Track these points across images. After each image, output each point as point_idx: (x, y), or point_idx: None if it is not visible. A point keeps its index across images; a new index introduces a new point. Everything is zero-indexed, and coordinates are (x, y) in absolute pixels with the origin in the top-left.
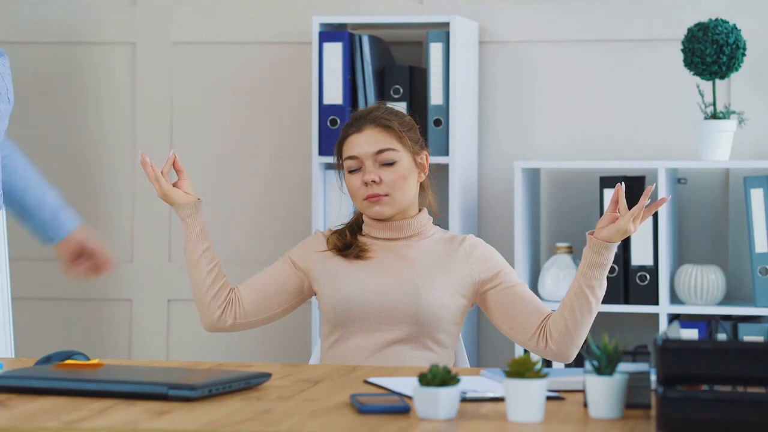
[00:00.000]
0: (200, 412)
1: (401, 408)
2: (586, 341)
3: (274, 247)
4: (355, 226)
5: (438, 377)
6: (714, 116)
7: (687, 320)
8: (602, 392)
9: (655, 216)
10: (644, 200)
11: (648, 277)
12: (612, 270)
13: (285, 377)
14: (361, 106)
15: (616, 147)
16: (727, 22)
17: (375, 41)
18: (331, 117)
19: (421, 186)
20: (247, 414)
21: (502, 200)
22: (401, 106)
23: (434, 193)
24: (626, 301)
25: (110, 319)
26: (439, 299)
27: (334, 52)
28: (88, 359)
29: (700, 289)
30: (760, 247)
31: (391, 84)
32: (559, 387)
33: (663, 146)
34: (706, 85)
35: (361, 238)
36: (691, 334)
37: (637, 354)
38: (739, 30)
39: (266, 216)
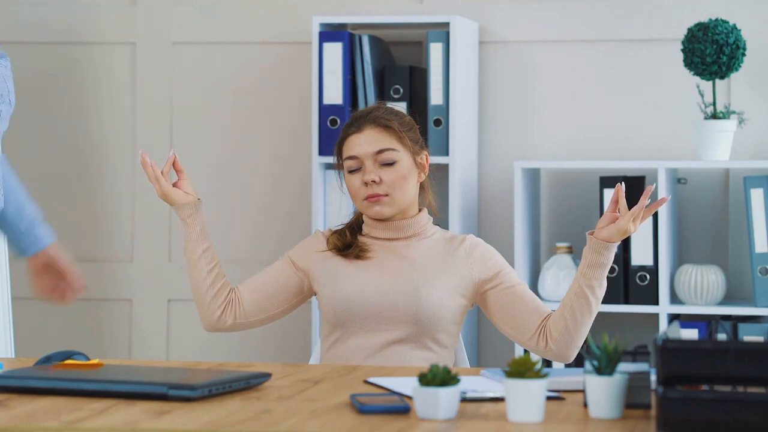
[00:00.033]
0: (200, 412)
1: (401, 408)
2: (586, 341)
3: (274, 247)
4: (355, 226)
5: (438, 377)
6: (714, 116)
7: (687, 320)
8: (602, 392)
9: (655, 216)
10: (644, 200)
11: (648, 277)
12: (612, 270)
13: (285, 377)
14: (361, 106)
15: (616, 147)
16: (727, 22)
17: (375, 41)
18: (331, 117)
19: (421, 186)
20: (247, 414)
21: (502, 200)
22: (401, 106)
23: (434, 193)
24: (626, 301)
25: (110, 319)
26: (439, 299)
27: (334, 52)
28: (88, 359)
29: (700, 289)
30: (760, 247)
31: (391, 84)
32: (559, 387)
33: (663, 146)
34: (706, 85)
35: (361, 238)
36: (691, 334)
37: (637, 354)
38: (739, 30)
39: (266, 216)
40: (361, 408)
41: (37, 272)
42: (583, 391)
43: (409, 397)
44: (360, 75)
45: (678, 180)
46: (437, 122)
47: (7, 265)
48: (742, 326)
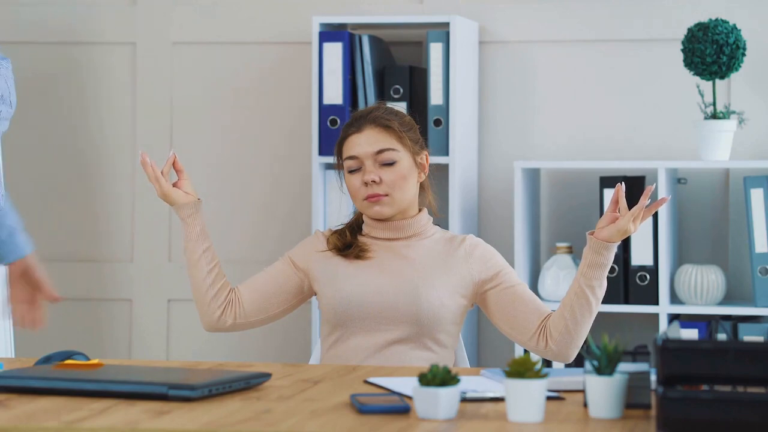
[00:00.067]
0: (200, 412)
1: (401, 408)
2: (586, 341)
3: (274, 247)
4: (355, 226)
5: (438, 377)
6: (714, 116)
7: (687, 320)
8: (602, 392)
9: (655, 216)
10: (644, 200)
11: (648, 277)
12: (612, 270)
13: (285, 377)
14: (361, 106)
15: (616, 147)
16: (727, 22)
17: (375, 41)
18: (331, 117)
19: (421, 186)
20: (247, 414)
21: (502, 200)
22: (401, 106)
23: (434, 193)
24: (626, 301)
25: (110, 319)
26: (439, 299)
27: (334, 52)
28: (88, 359)
29: (700, 289)
30: (760, 247)
31: (391, 84)
32: (559, 387)
33: (663, 146)
34: (706, 85)
35: (361, 238)
36: (691, 334)
37: (637, 354)
38: (739, 30)
39: (266, 216)
40: (361, 408)
41: (14, 281)
42: (583, 391)
43: (409, 397)
44: (360, 75)
45: (678, 180)
46: (437, 122)
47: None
48: (742, 326)
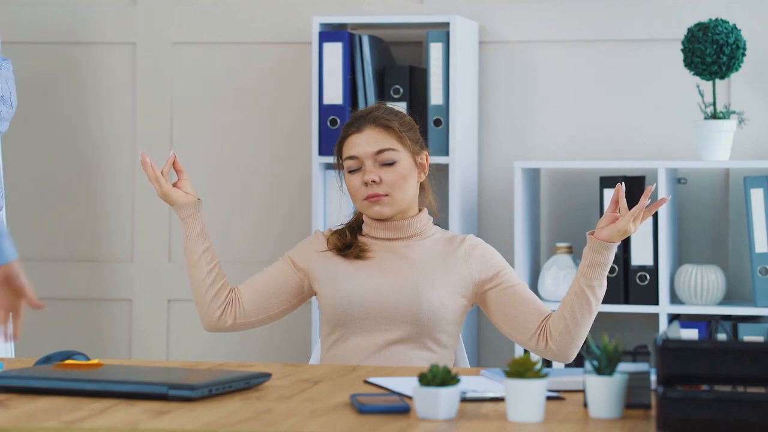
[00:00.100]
0: (200, 412)
1: (401, 408)
2: (586, 341)
3: (274, 247)
4: (355, 226)
5: (438, 377)
6: (714, 116)
7: (687, 320)
8: (602, 392)
9: (655, 216)
10: (644, 200)
11: (648, 277)
12: (612, 270)
13: (285, 377)
14: (361, 106)
15: (616, 147)
16: (727, 22)
17: (375, 41)
18: (331, 117)
19: (421, 186)
20: (247, 414)
21: (502, 200)
22: (401, 106)
23: (434, 193)
24: (626, 301)
25: (110, 319)
26: (439, 299)
27: (334, 52)
28: (88, 359)
29: (700, 289)
30: (760, 247)
31: (391, 84)
32: (559, 387)
33: (663, 146)
34: (706, 85)
35: (361, 238)
36: (691, 334)
37: (637, 354)
38: (739, 30)
39: (266, 216)
40: (361, 408)
41: None
42: (583, 391)
43: (409, 397)
44: (360, 75)
45: (678, 180)
46: (437, 122)
47: None
48: (742, 326)
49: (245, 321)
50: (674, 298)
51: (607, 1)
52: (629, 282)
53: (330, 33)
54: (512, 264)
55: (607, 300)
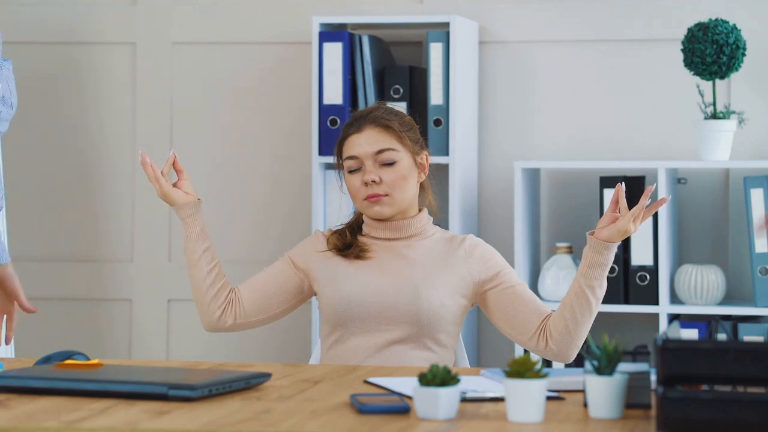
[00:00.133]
0: (200, 412)
1: (401, 408)
2: (586, 341)
3: (274, 247)
4: (355, 226)
5: (438, 377)
6: (714, 116)
7: (687, 320)
8: (602, 392)
9: (655, 216)
10: (644, 200)
11: (648, 277)
12: (612, 270)
13: (285, 377)
14: (361, 106)
15: (616, 147)
16: (727, 22)
17: (375, 41)
18: (331, 117)
19: (421, 186)
20: (247, 414)
21: (502, 200)
22: (401, 106)
23: (434, 193)
24: (626, 301)
25: (110, 319)
26: (439, 299)
27: (334, 52)
28: (88, 359)
29: (700, 289)
30: (760, 247)
31: (391, 84)
32: (559, 387)
33: (663, 146)
34: (706, 85)
35: (361, 238)
36: (691, 334)
37: (637, 354)
38: (739, 30)
39: (266, 216)
40: (361, 408)
41: None
42: (583, 391)
43: (409, 397)
44: (360, 75)
45: (678, 180)
46: (437, 122)
47: None
48: (742, 326)
49: (245, 321)
50: (674, 298)
51: (607, 1)
52: (629, 282)
53: (330, 33)
54: (512, 264)
55: (607, 300)
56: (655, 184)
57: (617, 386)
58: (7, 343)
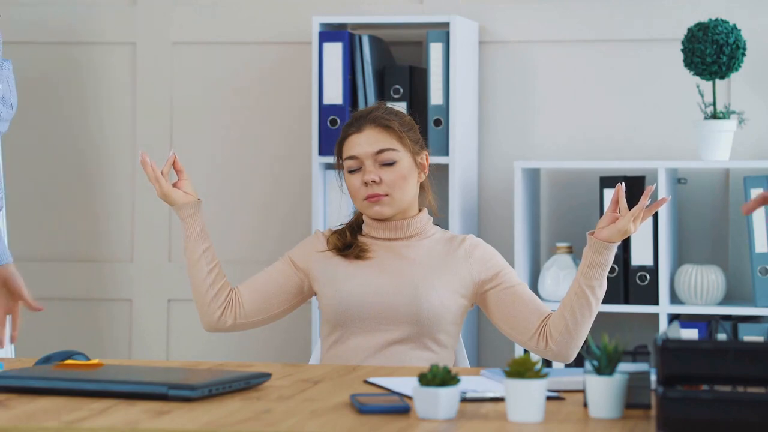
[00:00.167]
0: (200, 412)
1: (401, 408)
2: (586, 341)
3: (274, 247)
4: (355, 226)
5: (438, 377)
6: (714, 116)
7: (687, 320)
8: (602, 392)
9: (655, 216)
10: (644, 200)
11: (648, 277)
12: (612, 270)
13: (285, 377)
14: (361, 106)
15: (616, 147)
16: (727, 22)
17: (375, 41)
18: (331, 117)
19: (421, 186)
20: (247, 414)
21: (502, 200)
22: (401, 106)
23: (434, 193)
24: (626, 301)
25: (110, 319)
26: (439, 299)
27: (334, 52)
28: (88, 359)
29: (700, 289)
30: (760, 247)
31: (391, 84)
32: (559, 387)
33: (663, 146)
34: (706, 85)
35: (361, 238)
36: (691, 334)
37: (637, 354)
38: (739, 30)
39: (266, 216)
40: (361, 408)
41: None
42: (583, 391)
43: (409, 397)
44: (360, 75)
45: (678, 180)
46: (437, 122)
47: None
48: (742, 326)
49: (245, 321)
50: (674, 298)
51: (607, 1)
52: (629, 282)
53: (330, 33)
54: (512, 264)
55: (607, 300)
56: (655, 184)
57: (617, 386)
58: (12, 342)
